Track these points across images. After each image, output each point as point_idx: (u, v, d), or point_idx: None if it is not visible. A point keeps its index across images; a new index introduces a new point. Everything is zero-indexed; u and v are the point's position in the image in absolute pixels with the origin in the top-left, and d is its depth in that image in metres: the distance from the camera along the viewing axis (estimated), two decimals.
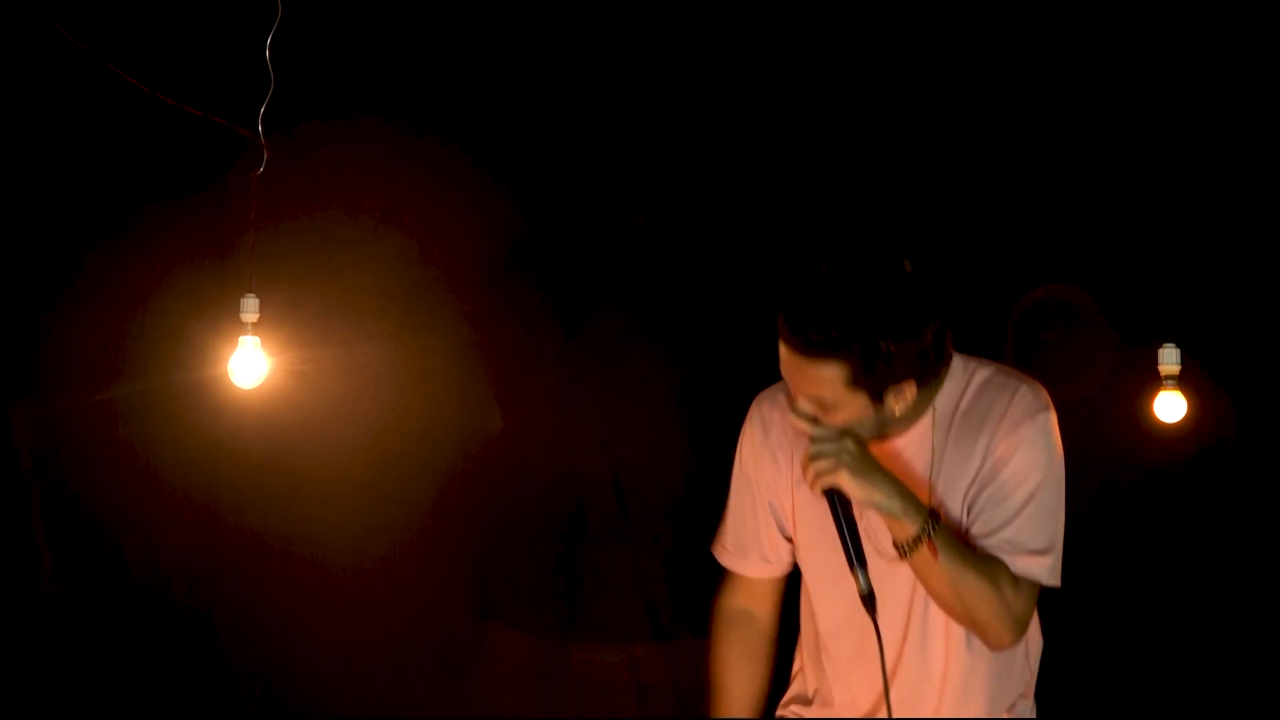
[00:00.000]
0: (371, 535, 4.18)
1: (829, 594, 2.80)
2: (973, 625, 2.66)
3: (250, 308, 3.62)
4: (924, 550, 2.54)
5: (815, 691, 2.91)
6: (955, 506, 2.69)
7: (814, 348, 2.49)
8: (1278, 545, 4.16)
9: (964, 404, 2.69)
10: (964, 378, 2.71)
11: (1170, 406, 3.85)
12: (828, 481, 2.53)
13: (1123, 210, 4.14)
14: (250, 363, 3.61)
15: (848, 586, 2.62)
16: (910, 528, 2.54)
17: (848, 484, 2.52)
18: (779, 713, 2.98)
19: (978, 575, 2.60)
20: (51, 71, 3.99)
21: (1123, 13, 4.02)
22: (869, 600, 2.58)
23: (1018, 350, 4.18)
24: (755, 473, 2.86)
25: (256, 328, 3.63)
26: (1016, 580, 2.64)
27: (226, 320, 3.69)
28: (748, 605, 2.95)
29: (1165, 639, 4.19)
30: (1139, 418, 3.96)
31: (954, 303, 4.23)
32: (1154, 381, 3.87)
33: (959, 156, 4.18)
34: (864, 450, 2.55)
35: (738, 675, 2.94)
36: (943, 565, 2.56)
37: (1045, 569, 2.69)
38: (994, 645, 2.69)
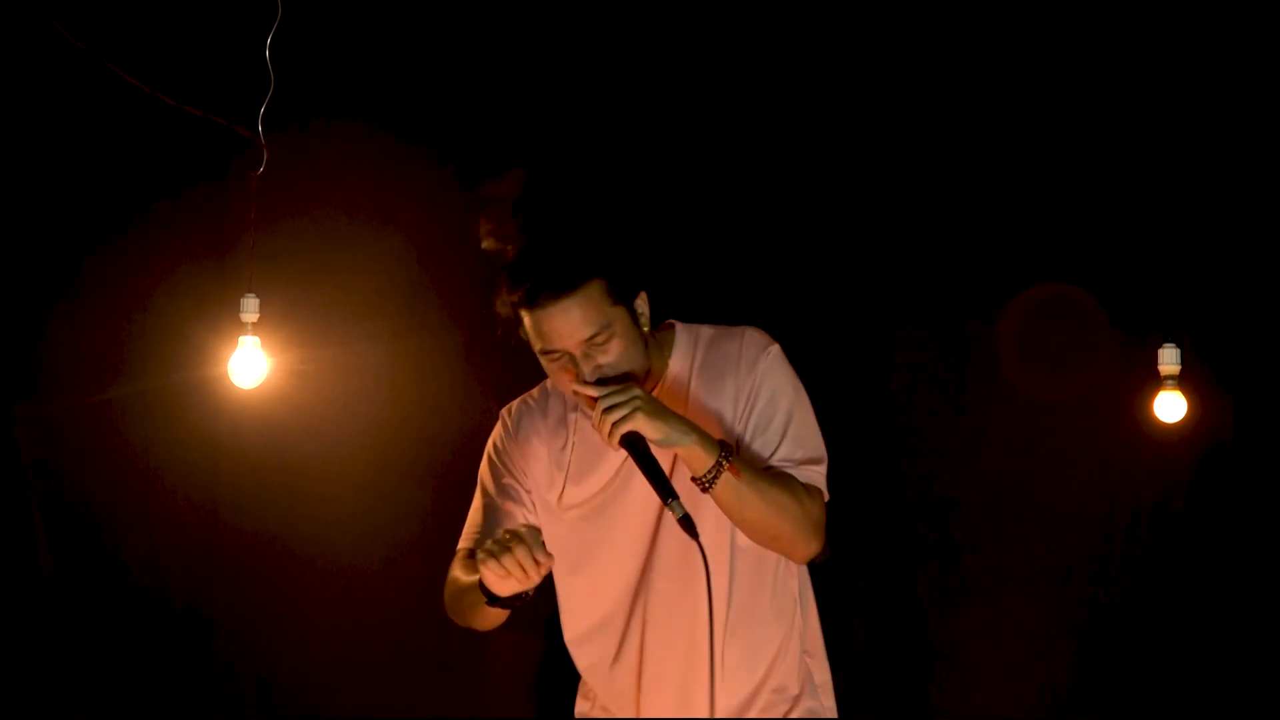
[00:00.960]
0: (371, 535, 4.18)
1: (598, 578, 2.88)
2: (779, 541, 2.75)
3: (250, 308, 3.62)
4: (726, 477, 2.64)
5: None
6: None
7: (568, 280, 2.69)
8: (1278, 545, 4.16)
9: (698, 360, 2.85)
10: (690, 338, 2.87)
11: (1170, 406, 3.85)
12: (625, 426, 2.62)
13: (1123, 209, 4.13)
14: (250, 363, 3.61)
15: (619, 565, 2.81)
16: (708, 458, 2.64)
17: (644, 425, 2.62)
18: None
19: (778, 489, 2.72)
20: (51, 71, 3.99)
21: (1123, 13, 4.02)
22: (687, 523, 2.64)
23: (1018, 350, 4.18)
24: (507, 474, 2.96)
25: (256, 328, 3.63)
26: (807, 488, 2.76)
27: (226, 320, 3.69)
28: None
29: (1165, 639, 4.19)
30: (1139, 418, 3.96)
31: (954, 303, 4.25)
32: (1154, 381, 3.87)
33: (959, 156, 4.18)
34: (651, 395, 2.68)
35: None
36: (746, 485, 2.66)
37: (823, 477, 2.82)
38: (802, 556, 2.79)
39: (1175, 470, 4.16)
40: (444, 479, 4.19)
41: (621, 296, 2.74)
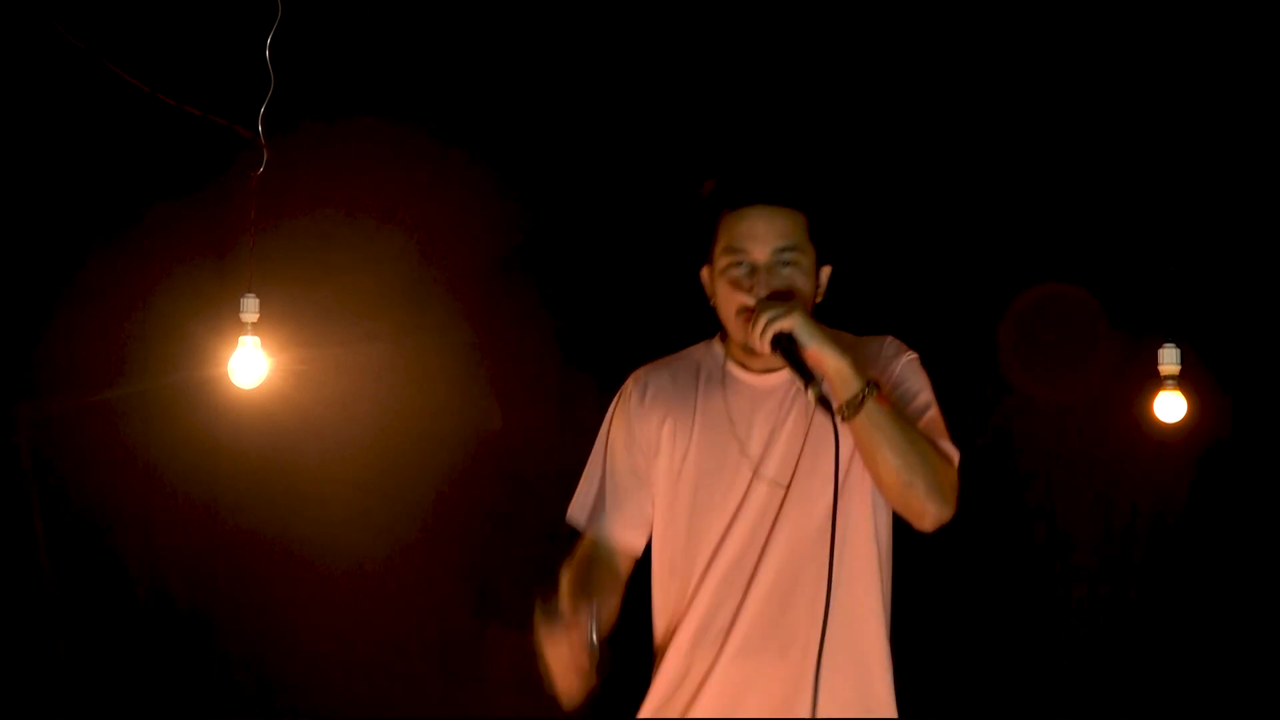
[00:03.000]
0: (371, 535, 4.18)
1: (702, 556, 2.84)
2: (910, 493, 2.71)
3: (250, 308, 3.63)
4: (871, 405, 2.67)
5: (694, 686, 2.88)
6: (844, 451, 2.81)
7: (783, 194, 2.80)
8: (1278, 545, 4.17)
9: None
10: (834, 336, 2.85)
11: (1170, 406, 3.85)
12: (781, 325, 2.67)
13: (1123, 209, 4.14)
14: (250, 363, 3.61)
15: (731, 546, 2.78)
16: (856, 382, 2.67)
17: (799, 328, 2.68)
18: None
19: (918, 436, 2.73)
20: (51, 71, 3.99)
21: (1123, 13, 4.03)
22: (825, 403, 2.66)
23: (1018, 350, 4.18)
24: (629, 440, 2.92)
25: (256, 328, 3.63)
26: (943, 452, 2.76)
27: (226, 320, 3.69)
28: (611, 563, 2.94)
29: (1165, 638, 4.20)
30: (1139, 418, 3.97)
31: (954, 303, 4.25)
32: (1154, 381, 3.88)
33: (959, 156, 4.18)
34: (810, 315, 2.73)
35: (601, 589, 2.90)
36: (889, 420, 2.68)
37: (957, 456, 2.80)
38: (929, 518, 2.74)
39: (1175, 470, 4.17)
40: (444, 479, 4.20)
41: (817, 243, 2.81)
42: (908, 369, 2.86)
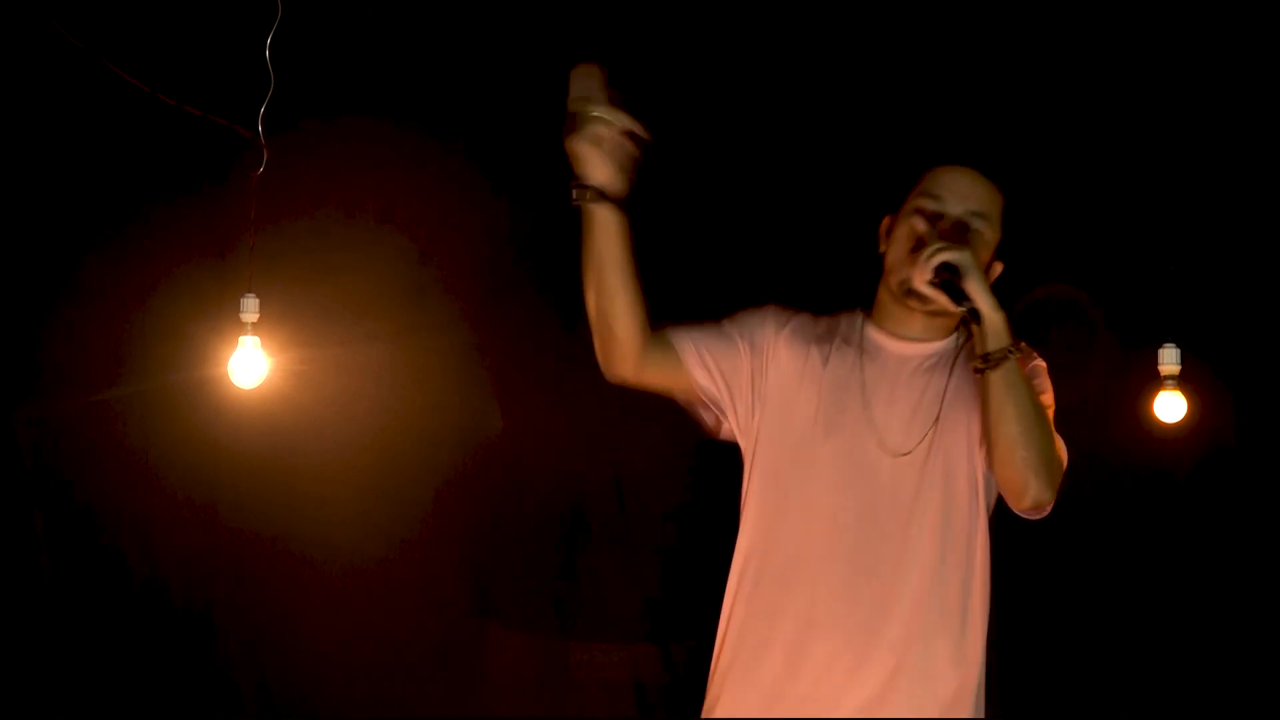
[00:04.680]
0: (371, 535, 4.17)
1: (805, 493, 2.80)
2: (1027, 468, 2.72)
3: (250, 308, 3.62)
4: (1012, 363, 2.67)
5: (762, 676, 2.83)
6: (968, 432, 2.83)
7: (990, 175, 2.90)
8: (1278, 545, 4.17)
9: (966, 349, 2.88)
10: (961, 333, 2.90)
11: (1170, 406, 3.85)
12: (951, 255, 2.69)
13: (1123, 210, 4.14)
14: (250, 363, 3.61)
15: (831, 482, 2.76)
16: (1005, 336, 2.68)
17: (967, 263, 2.69)
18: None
19: (1044, 414, 2.75)
20: (51, 71, 3.99)
21: (1123, 13, 4.02)
22: (975, 314, 2.68)
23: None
24: (760, 333, 2.89)
25: (256, 328, 3.63)
26: (1059, 442, 2.79)
27: (226, 320, 3.69)
28: (651, 336, 2.87)
29: (1165, 639, 4.20)
30: (1139, 418, 3.96)
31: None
32: (1154, 381, 3.87)
33: (959, 157, 4.18)
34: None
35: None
36: (1023, 384, 2.69)
37: (1066, 460, 2.83)
38: (1030, 497, 2.76)
39: (1175, 470, 4.16)
40: (444, 479, 4.20)
41: (1005, 229, 2.88)
42: (1036, 371, 2.89)
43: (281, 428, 4.06)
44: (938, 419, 2.81)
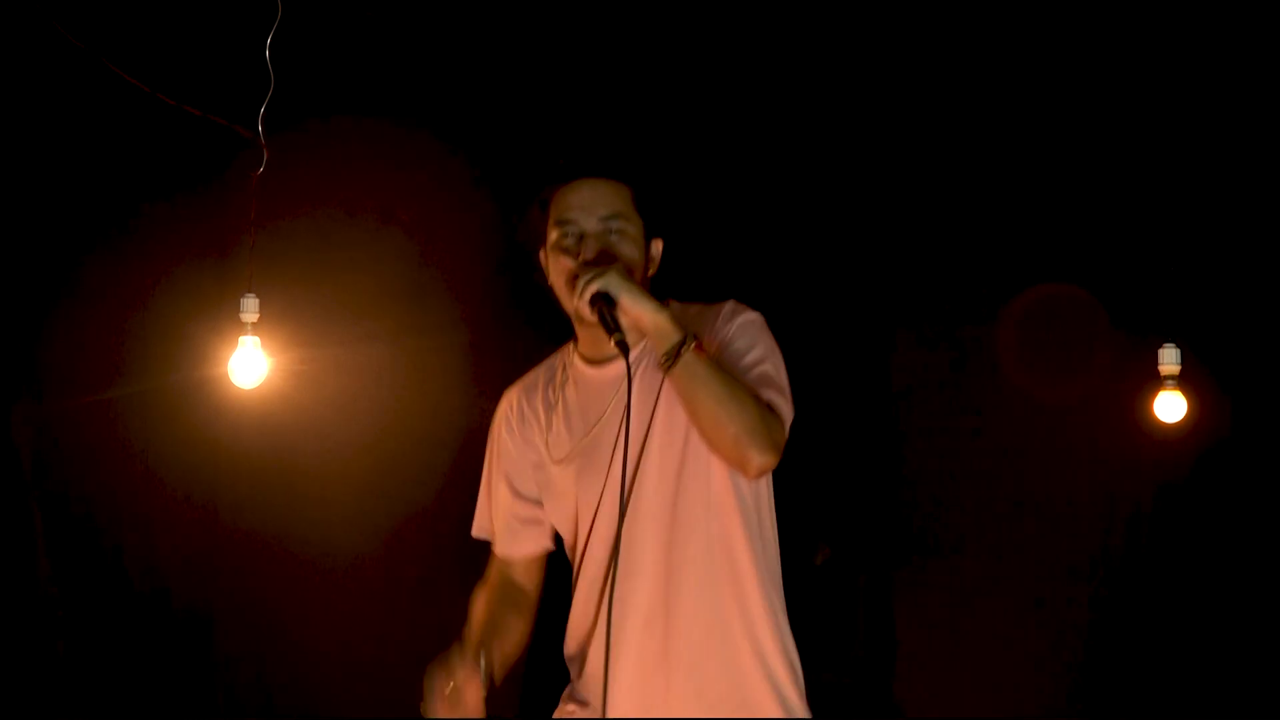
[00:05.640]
0: (371, 535, 4.18)
1: (593, 520, 2.89)
2: (735, 443, 2.77)
3: (250, 308, 3.63)
4: (689, 358, 2.73)
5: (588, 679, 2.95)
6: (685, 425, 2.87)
7: (605, 169, 2.91)
8: (1278, 545, 4.17)
9: (685, 322, 2.90)
10: (680, 310, 2.91)
11: (1170, 406, 3.85)
12: (599, 285, 2.75)
13: (1123, 210, 4.14)
14: (250, 363, 3.61)
15: (602, 522, 2.85)
16: (674, 335, 2.74)
17: (616, 286, 2.75)
18: (556, 715, 3.01)
19: (738, 388, 2.77)
20: (51, 71, 3.99)
21: (1123, 13, 4.03)
22: (623, 347, 2.73)
23: (1018, 350, 4.18)
24: (517, 450, 3.01)
25: (256, 328, 3.63)
26: (768, 404, 2.81)
27: (226, 320, 3.69)
28: (520, 581, 3.07)
29: (1164, 638, 4.20)
30: (1139, 418, 3.97)
31: (954, 303, 4.25)
32: (1154, 381, 3.88)
33: (959, 156, 4.19)
34: (629, 276, 2.79)
35: (504, 623, 3.05)
36: (706, 371, 2.74)
37: (785, 410, 2.85)
38: (752, 465, 2.79)
39: (1175, 470, 4.17)
40: (444, 479, 4.20)
41: (644, 214, 2.90)
42: (742, 328, 2.90)
43: (281, 428, 4.07)
44: (650, 422, 2.87)
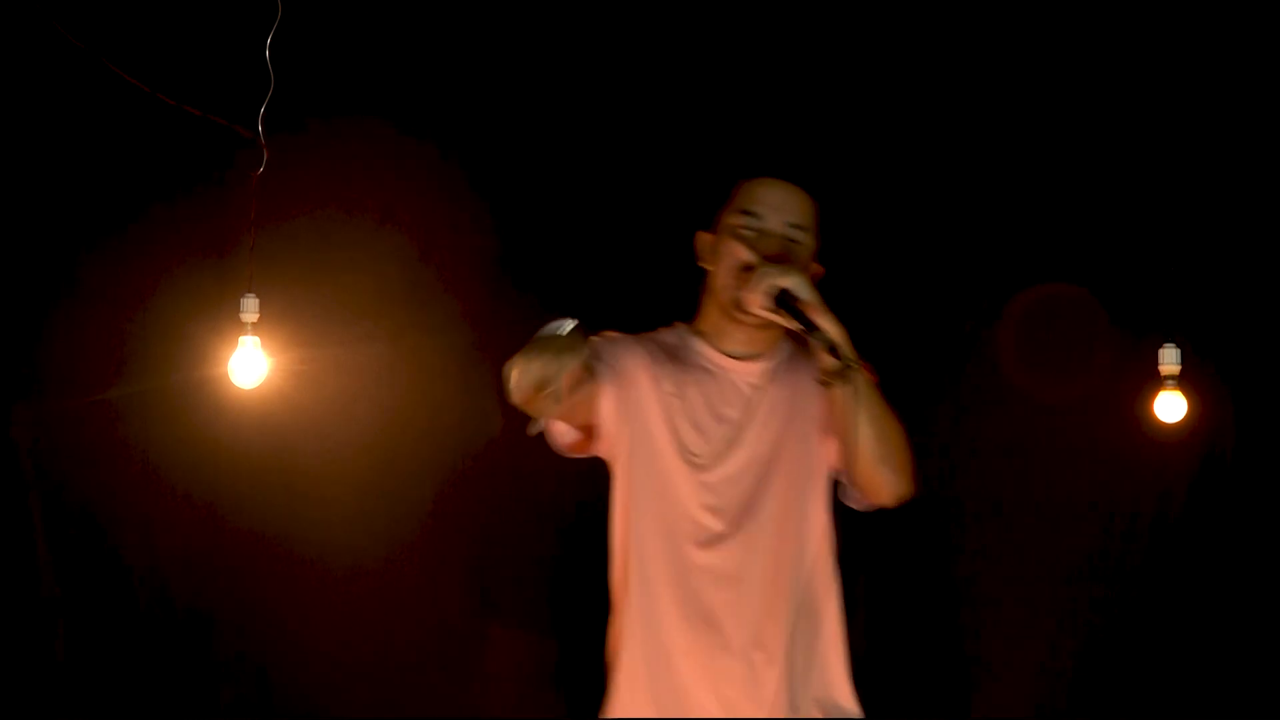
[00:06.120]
0: (371, 535, 4.17)
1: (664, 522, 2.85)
2: (882, 466, 2.79)
3: (250, 308, 3.62)
4: (861, 376, 2.74)
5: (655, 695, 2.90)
6: (812, 437, 2.91)
7: (803, 185, 2.93)
8: (1278, 546, 4.17)
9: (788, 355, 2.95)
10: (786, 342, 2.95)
11: (1170, 406, 3.85)
12: (789, 282, 2.74)
13: (1123, 209, 4.14)
14: (250, 363, 3.61)
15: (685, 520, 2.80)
16: (850, 350, 2.73)
17: (805, 288, 2.74)
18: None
19: (893, 414, 2.81)
20: (51, 71, 3.99)
21: (1123, 13, 4.02)
22: (833, 349, 2.70)
23: (1017, 350, 4.18)
24: (619, 364, 2.91)
25: (256, 328, 3.63)
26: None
27: (226, 320, 3.69)
28: None
29: (1164, 639, 4.19)
30: (1139, 418, 3.96)
31: (954, 303, 4.25)
32: (1154, 381, 3.88)
33: (959, 155, 4.18)
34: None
35: None
36: (871, 393, 2.76)
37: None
38: (898, 495, 2.84)
39: (1175, 470, 4.17)
40: (444, 479, 4.20)
41: (816, 231, 2.92)
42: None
43: (281, 428, 4.06)
44: (783, 426, 2.88)
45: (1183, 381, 3.85)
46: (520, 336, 4.17)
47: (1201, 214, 4.07)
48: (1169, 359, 3.85)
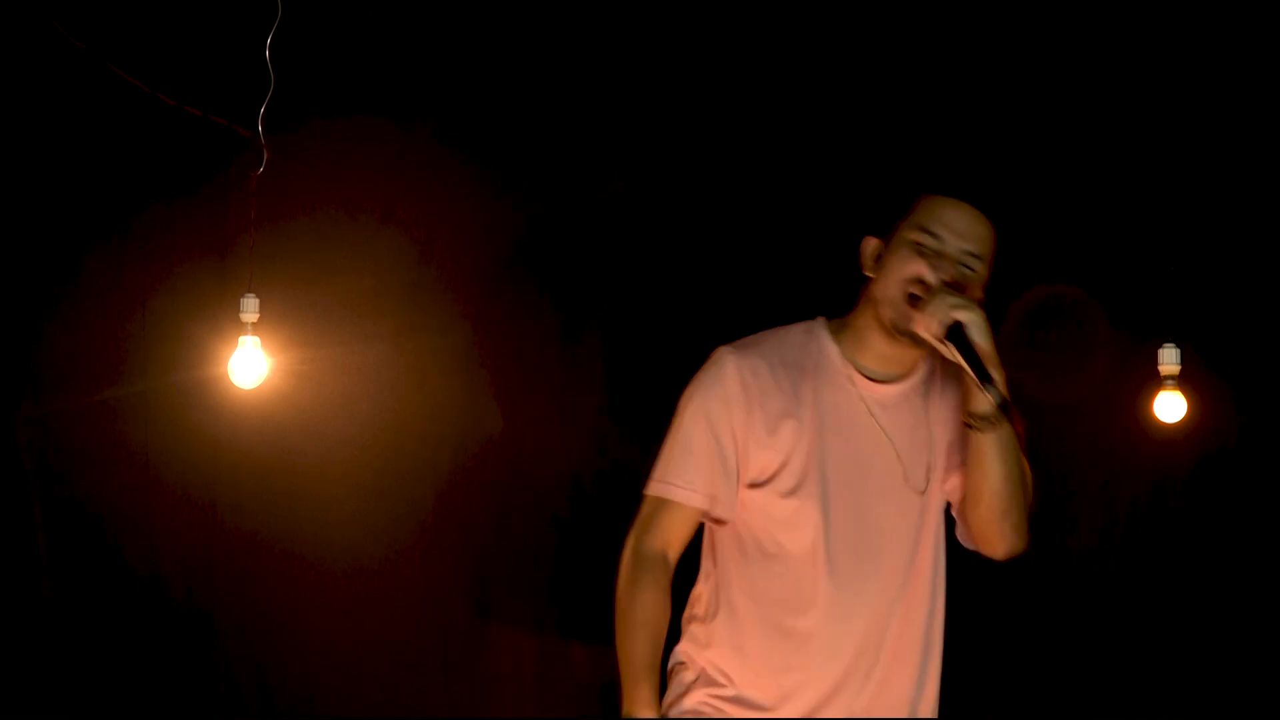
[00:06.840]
0: (371, 535, 4.17)
1: (796, 545, 2.79)
2: (1007, 523, 2.75)
3: (250, 308, 3.62)
4: (1006, 426, 2.67)
5: (730, 681, 2.90)
6: (945, 466, 2.85)
7: (985, 213, 2.82)
8: (1278, 545, 4.16)
9: (940, 369, 2.89)
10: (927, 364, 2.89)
11: (1170, 406, 3.85)
12: (967, 316, 2.66)
13: (1123, 210, 4.14)
14: (250, 363, 3.61)
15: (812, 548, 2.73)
16: (1006, 398, 2.66)
17: (982, 329, 2.67)
18: (690, 702, 2.95)
19: (1026, 470, 2.74)
20: (51, 71, 3.99)
21: (1123, 13, 4.02)
22: (1004, 408, 2.66)
23: (1018, 351, 4.18)
24: (726, 419, 2.79)
25: (256, 328, 3.63)
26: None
27: (226, 320, 3.69)
28: (663, 549, 2.84)
29: (1164, 638, 4.19)
30: (1139, 418, 3.96)
31: None
32: (1154, 381, 3.87)
33: (959, 156, 4.18)
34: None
35: (655, 622, 2.86)
36: (1013, 444, 2.69)
37: None
38: (1012, 551, 2.80)
39: (1175, 470, 4.16)
40: (444, 479, 4.20)
41: (990, 261, 2.83)
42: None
43: (281, 428, 4.06)
44: (930, 454, 2.83)
45: (1183, 381, 3.85)
46: (520, 336, 4.18)
47: (1201, 215, 4.07)
48: (1169, 359, 3.84)
